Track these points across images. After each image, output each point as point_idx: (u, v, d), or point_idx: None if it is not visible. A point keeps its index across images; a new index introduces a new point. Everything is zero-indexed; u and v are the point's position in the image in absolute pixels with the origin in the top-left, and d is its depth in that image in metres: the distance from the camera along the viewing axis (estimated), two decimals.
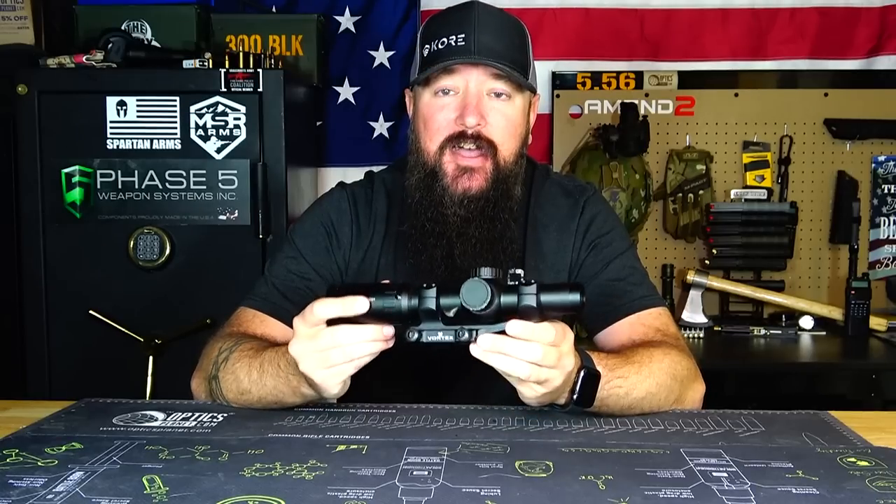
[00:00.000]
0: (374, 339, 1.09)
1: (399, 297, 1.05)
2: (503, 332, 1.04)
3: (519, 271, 1.41)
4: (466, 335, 1.05)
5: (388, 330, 1.09)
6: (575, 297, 1.04)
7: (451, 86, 1.34)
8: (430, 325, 1.07)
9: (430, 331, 1.07)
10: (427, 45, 1.35)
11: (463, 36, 1.31)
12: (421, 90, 1.37)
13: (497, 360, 1.05)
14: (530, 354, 1.04)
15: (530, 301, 1.03)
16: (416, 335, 1.07)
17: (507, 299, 1.04)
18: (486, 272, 1.04)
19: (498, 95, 1.34)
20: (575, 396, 1.14)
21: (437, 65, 1.32)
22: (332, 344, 1.08)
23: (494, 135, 1.34)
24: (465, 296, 1.03)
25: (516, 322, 1.04)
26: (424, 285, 1.06)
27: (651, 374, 1.23)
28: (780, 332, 2.58)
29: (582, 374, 1.13)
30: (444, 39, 1.32)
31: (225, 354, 1.27)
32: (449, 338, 1.06)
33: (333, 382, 1.12)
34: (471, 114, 1.32)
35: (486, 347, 1.04)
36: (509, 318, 1.04)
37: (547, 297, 1.03)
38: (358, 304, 1.06)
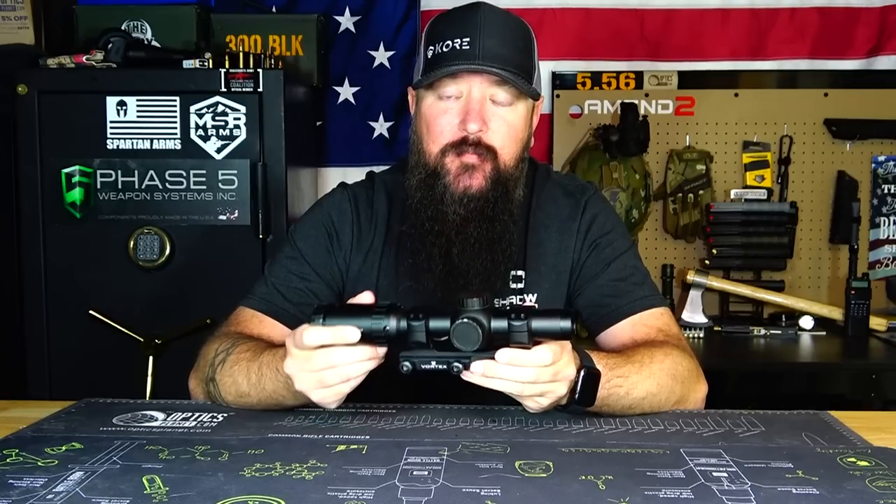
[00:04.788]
0: (369, 359, 1.09)
1: (387, 328, 1.06)
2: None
3: (520, 273, 1.42)
4: (459, 365, 1.07)
5: (382, 349, 1.10)
6: (566, 324, 1.04)
7: (455, 91, 1.33)
8: (421, 353, 1.08)
9: (423, 359, 1.08)
10: (431, 47, 1.34)
11: (468, 40, 1.30)
12: (424, 92, 1.37)
13: (490, 383, 1.07)
14: (522, 377, 1.06)
15: (521, 330, 1.04)
16: (409, 366, 1.08)
17: (498, 324, 1.05)
18: (473, 303, 1.05)
19: (501, 101, 1.34)
20: (576, 396, 1.14)
21: (441, 70, 1.31)
22: (326, 364, 1.08)
23: (495, 140, 1.34)
24: (457, 339, 1.04)
25: (505, 351, 1.05)
26: (411, 315, 1.06)
27: (652, 374, 1.23)
28: (780, 332, 2.57)
29: (582, 373, 1.14)
30: (449, 42, 1.32)
31: (221, 357, 1.27)
32: (442, 366, 1.07)
33: (330, 401, 1.13)
34: (473, 120, 1.31)
35: (479, 372, 1.06)
36: (501, 345, 1.05)
37: (538, 324, 1.05)
38: (349, 334, 1.06)
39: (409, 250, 1.39)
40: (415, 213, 1.38)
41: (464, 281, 1.35)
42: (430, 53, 1.35)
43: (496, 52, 1.31)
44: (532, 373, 1.06)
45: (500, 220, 1.36)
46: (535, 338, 1.06)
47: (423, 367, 1.08)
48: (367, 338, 1.07)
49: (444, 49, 1.32)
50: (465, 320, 1.04)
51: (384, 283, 1.43)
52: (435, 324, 1.06)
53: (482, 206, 1.35)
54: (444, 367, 1.07)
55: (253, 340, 1.30)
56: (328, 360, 1.08)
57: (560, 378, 1.09)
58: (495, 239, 1.36)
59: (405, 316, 1.07)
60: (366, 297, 1.12)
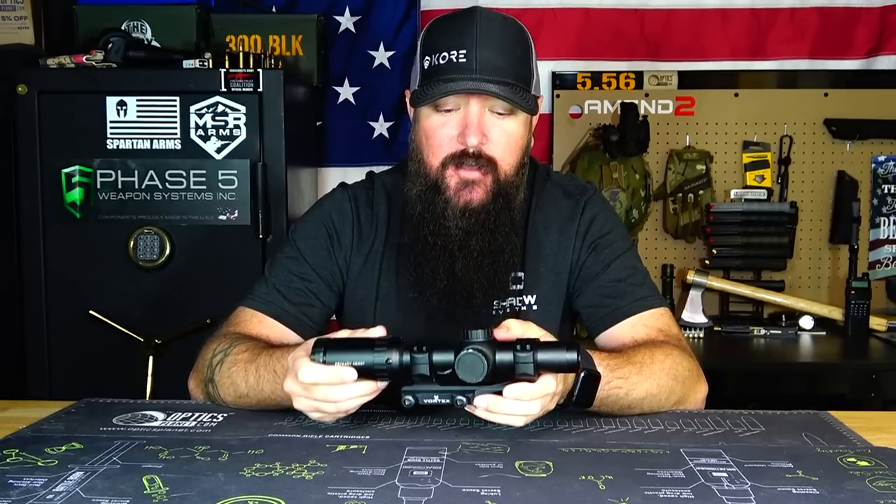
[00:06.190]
0: (369, 394, 1.08)
1: (389, 362, 1.04)
2: (499, 392, 1.04)
3: (520, 274, 1.42)
4: (463, 399, 1.05)
5: (382, 384, 1.08)
6: (572, 356, 1.03)
7: (453, 104, 1.33)
8: (423, 387, 1.05)
9: (426, 394, 1.05)
10: (428, 57, 1.33)
11: (464, 52, 1.29)
12: (421, 105, 1.36)
13: (494, 418, 1.06)
14: (528, 411, 1.05)
15: (527, 362, 1.03)
16: (412, 400, 1.05)
17: (503, 357, 1.03)
18: (477, 335, 1.03)
19: (500, 112, 1.33)
20: (574, 398, 1.14)
21: (439, 87, 1.30)
22: (324, 398, 1.08)
23: (495, 151, 1.33)
24: (462, 371, 1.02)
25: (514, 387, 1.03)
26: (415, 348, 1.04)
27: (652, 374, 1.23)
28: (780, 332, 2.58)
29: (582, 375, 1.14)
30: (445, 54, 1.30)
31: (219, 357, 1.27)
32: (445, 400, 1.05)
33: (327, 422, 1.15)
34: (472, 134, 1.30)
35: (483, 407, 1.05)
36: (504, 378, 1.04)
37: (544, 356, 1.03)
38: (345, 375, 1.05)
39: (412, 263, 1.38)
40: (416, 226, 1.38)
41: (467, 294, 1.35)
42: (426, 64, 1.33)
43: (493, 64, 1.29)
44: (537, 406, 1.05)
45: (502, 231, 1.36)
46: (540, 371, 1.04)
47: (425, 401, 1.05)
48: (369, 372, 1.05)
49: (441, 61, 1.31)
50: (471, 351, 1.02)
51: (385, 285, 1.43)
52: (439, 357, 1.04)
53: (484, 219, 1.34)
54: (448, 401, 1.05)
55: (250, 341, 1.30)
56: (326, 396, 1.07)
57: (554, 396, 1.09)
58: (497, 250, 1.36)
59: (408, 349, 1.05)
60: (378, 332, 1.10)
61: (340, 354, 1.05)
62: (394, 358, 1.04)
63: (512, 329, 1.08)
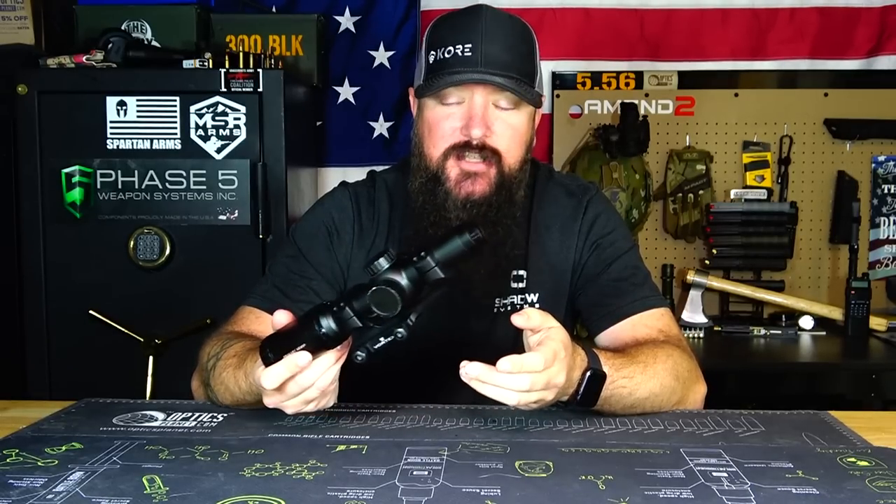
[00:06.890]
0: (336, 360, 1.06)
1: (325, 331, 1.02)
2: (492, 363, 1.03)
3: (521, 272, 1.42)
4: (402, 331, 1.02)
5: (342, 347, 1.07)
6: (465, 238, 1.04)
7: (457, 97, 1.33)
8: (365, 336, 1.04)
9: (370, 340, 1.03)
10: (433, 52, 1.34)
11: (470, 46, 1.30)
12: (426, 97, 1.37)
13: (485, 389, 1.05)
14: (519, 385, 1.04)
15: (431, 267, 1.02)
16: (362, 354, 1.03)
17: (410, 276, 1.02)
18: (381, 265, 1.02)
19: (504, 106, 1.34)
20: (578, 397, 1.14)
21: (444, 79, 1.31)
22: (299, 389, 1.06)
23: (499, 144, 1.34)
24: (381, 310, 1.01)
25: (505, 360, 1.03)
26: (335, 309, 1.02)
27: (655, 374, 1.23)
28: (780, 332, 2.58)
29: (588, 374, 1.14)
30: (451, 48, 1.31)
31: (212, 362, 1.26)
32: (389, 338, 1.03)
33: (323, 407, 1.11)
34: (476, 126, 1.31)
35: (474, 376, 1.04)
36: (427, 293, 1.03)
37: (441, 253, 1.03)
38: (300, 360, 1.02)
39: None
40: (418, 218, 1.38)
41: (468, 285, 1.35)
42: (431, 58, 1.34)
43: (499, 58, 1.30)
44: (527, 381, 1.04)
45: (503, 224, 1.36)
46: (450, 266, 1.03)
47: (374, 347, 1.03)
48: (319, 346, 1.04)
49: (446, 55, 1.31)
50: (376, 288, 1.01)
51: None
52: (358, 305, 1.02)
53: (485, 211, 1.34)
54: (391, 337, 1.03)
55: (241, 342, 1.28)
56: (299, 386, 1.05)
57: (551, 387, 1.08)
58: (498, 243, 1.36)
59: (330, 312, 1.03)
60: (281, 317, 1.08)
61: (282, 346, 1.04)
62: (327, 323, 1.02)
63: (532, 318, 1.08)
